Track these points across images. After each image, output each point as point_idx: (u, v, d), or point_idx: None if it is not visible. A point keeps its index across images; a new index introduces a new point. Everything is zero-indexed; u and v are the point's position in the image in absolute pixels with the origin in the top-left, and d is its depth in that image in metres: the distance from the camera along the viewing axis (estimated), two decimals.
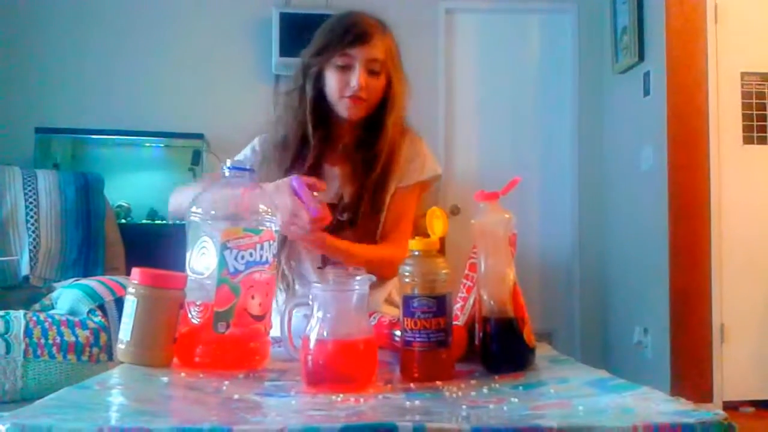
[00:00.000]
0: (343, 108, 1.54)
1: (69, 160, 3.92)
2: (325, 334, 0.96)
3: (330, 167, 1.61)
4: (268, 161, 1.60)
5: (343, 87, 1.52)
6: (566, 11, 4.31)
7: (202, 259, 1.11)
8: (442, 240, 1.10)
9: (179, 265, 1.15)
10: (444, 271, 1.05)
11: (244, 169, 1.17)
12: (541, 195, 4.25)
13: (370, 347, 0.98)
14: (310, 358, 0.96)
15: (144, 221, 3.75)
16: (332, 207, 1.52)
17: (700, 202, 3.47)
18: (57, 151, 3.90)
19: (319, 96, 1.56)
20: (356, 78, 1.50)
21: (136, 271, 1.09)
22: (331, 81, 1.53)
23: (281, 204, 1.29)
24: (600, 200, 4.25)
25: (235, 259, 1.10)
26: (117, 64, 4.01)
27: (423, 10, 4.19)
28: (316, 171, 1.55)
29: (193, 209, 1.14)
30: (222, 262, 1.09)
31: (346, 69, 1.51)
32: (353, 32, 1.50)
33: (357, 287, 0.98)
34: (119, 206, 3.65)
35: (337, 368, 0.96)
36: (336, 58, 1.51)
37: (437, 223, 1.09)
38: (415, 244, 1.07)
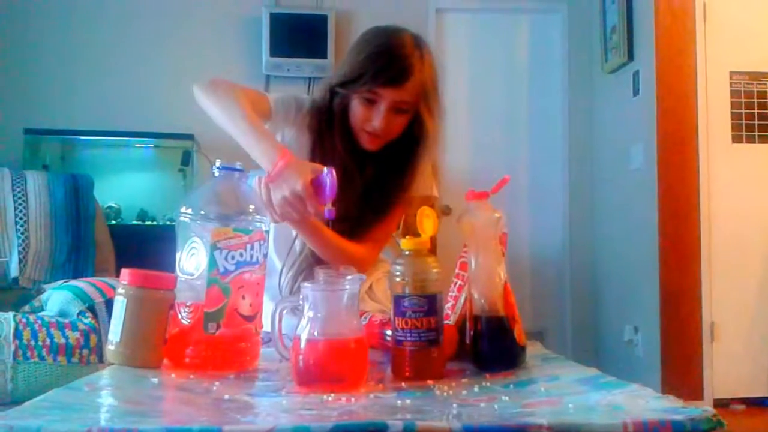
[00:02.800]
0: (362, 140, 1.50)
1: (58, 161, 3.90)
2: (315, 333, 0.96)
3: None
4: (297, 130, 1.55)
5: (365, 121, 1.46)
6: (556, 11, 4.32)
7: (192, 260, 1.11)
8: (432, 239, 1.10)
9: (170, 266, 1.15)
10: (435, 271, 1.06)
11: (234, 169, 1.17)
12: (532, 194, 4.25)
13: (361, 347, 0.98)
14: (300, 358, 0.96)
15: (134, 222, 3.73)
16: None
17: (690, 200, 3.49)
18: (46, 152, 3.88)
19: (344, 116, 1.51)
20: (379, 120, 1.44)
21: (125, 272, 1.09)
22: (356, 110, 1.48)
23: (292, 179, 1.21)
24: (590, 199, 4.26)
25: (225, 259, 1.09)
26: (106, 65, 3.99)
27: (413, 10, 4.18)
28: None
29: (183, 209, 1.14)
30: (212, 263, 1.09)
31: (371, 103, 1.45)
32: (387, 73, 1.42)
33: (347, 287, 0.98)
34: (109, 207, 3.63)
35: (328, 368, 0.96)
36: (363, 92, 1.45)
37: (427, 223, 1.09)
38: (405, 244, 1.07)
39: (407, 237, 1.08)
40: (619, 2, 3.83)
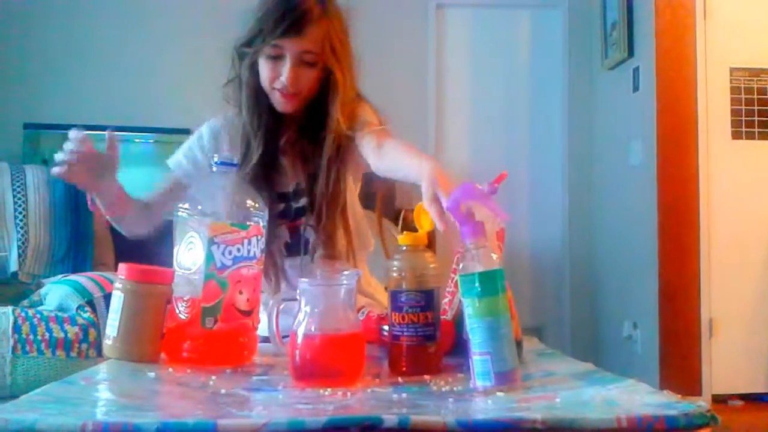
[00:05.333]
0: (275, 101, 1.45)
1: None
2: (312, 328, 0.96)
3: (280, 156, 1.52)
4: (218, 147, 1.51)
5: (273, 79, 1.42)
6: (556, 6, 4.32)
7: (189, 255, 1.11)
8: (430, 235, 1.10)
9: (169, 261, 1.15)
10: (432, 266, 1.06)
11: (231, 164, 1.17)
12: (531, 190, 4.25)
13: (357, 342, 0.98)
14: (297, 352, 0.96)
15: None
16: (286, 196, 1.49)
17: (689, 196, 3.49)
18: (46, 146, 3.86)
19: (258, 85, 1.46)
20: (286, 73, 1.40)
21: (122, 267, 1.09)
22: (263, 71, 1.43)
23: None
24: (589, 195, 4.26)
25: (223, 254, 1.10)
26: (106, 60, 3.98)
27: (414, 5, 4.18)
28: (269, 163, 1.47)
29: (180, 204, 1.14)
30: (209, 257, 1.09)
31: (277, 59, 1.41)
32: (285, 22, 1.38)
33: (345, 282, 0.98)
34: None
35: (325, 363, 0.96)
36: (266, 48, 1.41)
37: (425, 218, 1.09)
38: (403, 239, 1.07)
39: (405, 232, 1.08)
40: None
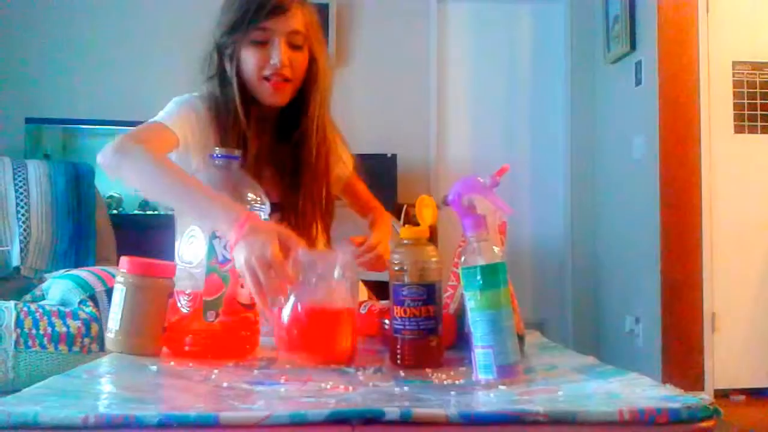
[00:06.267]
0: (265, 92, 1.38)
1: (59, 150, 3.90)
2: (301, 300, 0.95)
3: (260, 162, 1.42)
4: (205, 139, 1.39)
5: (263, 65, 1.35)
6: (558, 0, 4.30)
7: (191, 248, 1.11)
8: (432, 228, 1.10)
9: (171, 255, 1.15)
10: (434, 260, 1.06)
11: (231, 157, 1.17)
12: (533, 184, 4.25)
13: (346, 317, 0.98)
14: (284, 323, 0.95)
15: (135, 212, 3.73)
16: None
17: (692, 190, 3.48)
18: (47, 141, 3.87)
19: (242, 79, 1.38)
20: (278, 54, 1.33)
21: (124, 260, 1.09)
22: (249, 59, 1.36)
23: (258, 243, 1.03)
24: (592, 189, 4.25)
25: (224, 247, 1.09)
26: (108, 54, 3.98)
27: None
28: (256, 169, 1.36)
29: None
30: (211, 251, 1.09)
31: (264, 45, 1.34)
32: (269, 4, 1.33)
33: (339, 255, 0.98)
34: (110, 197, 3.63)
35: (312, 335, 0.96)
36: (252, 33, 1.34)
37: (427, 212, 1.09)
38: (404, 233, 1.07)
39: (406, 225, 1.08)
40: None
